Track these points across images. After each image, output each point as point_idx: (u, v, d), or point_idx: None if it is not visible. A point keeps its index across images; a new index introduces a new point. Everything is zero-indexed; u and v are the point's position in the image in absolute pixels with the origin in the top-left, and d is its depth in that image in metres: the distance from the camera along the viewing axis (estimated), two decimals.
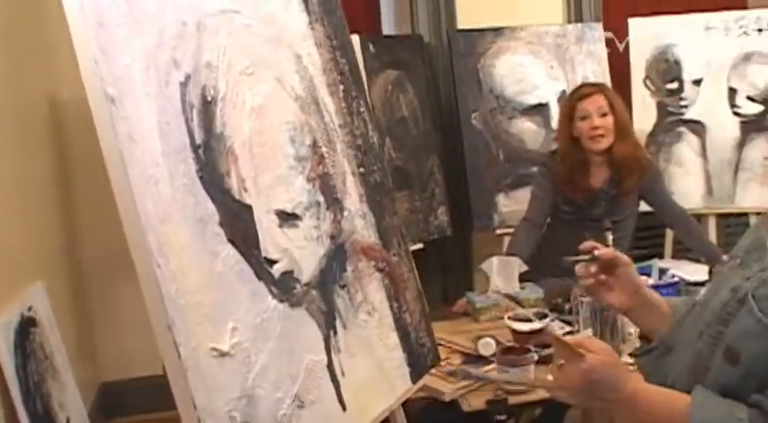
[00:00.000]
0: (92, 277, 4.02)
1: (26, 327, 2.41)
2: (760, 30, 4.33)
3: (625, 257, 1.66)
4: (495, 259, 3.24)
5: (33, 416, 2.25)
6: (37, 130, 3.44)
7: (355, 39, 3.80)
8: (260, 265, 1.67)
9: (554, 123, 4.30)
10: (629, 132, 3.45)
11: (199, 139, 1.57)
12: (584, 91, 3.46)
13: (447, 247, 4.45)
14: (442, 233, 4.29)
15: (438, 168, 4.31)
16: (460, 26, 4.49)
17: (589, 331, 2.50)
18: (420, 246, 4.08)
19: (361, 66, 3.80)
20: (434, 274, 4.39)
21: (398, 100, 4.15)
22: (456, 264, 4.55)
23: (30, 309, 2.49)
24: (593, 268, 1.63)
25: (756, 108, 4.33)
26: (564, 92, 4.33)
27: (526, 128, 4.34)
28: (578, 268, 1.64)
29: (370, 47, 4.00)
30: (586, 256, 1.64)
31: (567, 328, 2.73)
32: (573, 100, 3.46)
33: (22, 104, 3.11)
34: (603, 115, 3.34)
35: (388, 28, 4.69)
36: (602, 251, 1.64)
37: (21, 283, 2.58)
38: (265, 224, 1.71)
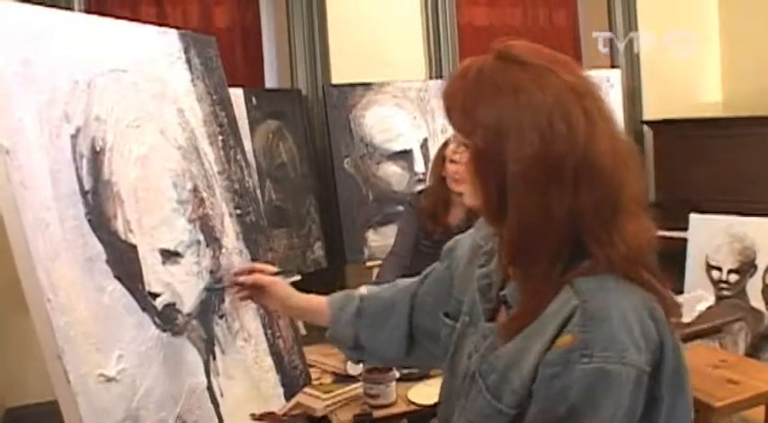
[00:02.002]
0: None
1: None
2: None
3: (267, 279, 1.78)
4: (363, 288, 3.28)
5: None
6: None
7: (239, 92, 3.86)
8: (144, 298, 1.68)
9: (417, 167, 4.42)
10: None
11: (87, 186, 1.58)
12: None
13: (323, 279, 4.48)
14: (318, 266, 4.33)
15: (314, 208, 4.35)
16: (335, 81, 4.57)
17: None
18: (298, 277, 4.11)
19: (244, 116, 3.87)
20: None
21: (278, 147, 4.19)
22: (331, 293, 4.58)
23: None
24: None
25: None
26: (426, 140, 4.46)
27: (392, 172, 4.43)
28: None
29: (253, 99, 4.04)
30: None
31: None
32: (447, 145, 3.54)
33: None
34: None
35: (270, 82, 4.74)
36: (243, 280, 1.80)
37: None
38: (149, 261, 1.72)
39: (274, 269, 1.83)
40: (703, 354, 3.33)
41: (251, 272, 1.80)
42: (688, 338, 3.08)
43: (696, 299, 3.20)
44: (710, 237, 3.92)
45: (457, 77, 1.26)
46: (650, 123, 5.24)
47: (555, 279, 1.18)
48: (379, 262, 4.14)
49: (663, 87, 5.35)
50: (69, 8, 3.87)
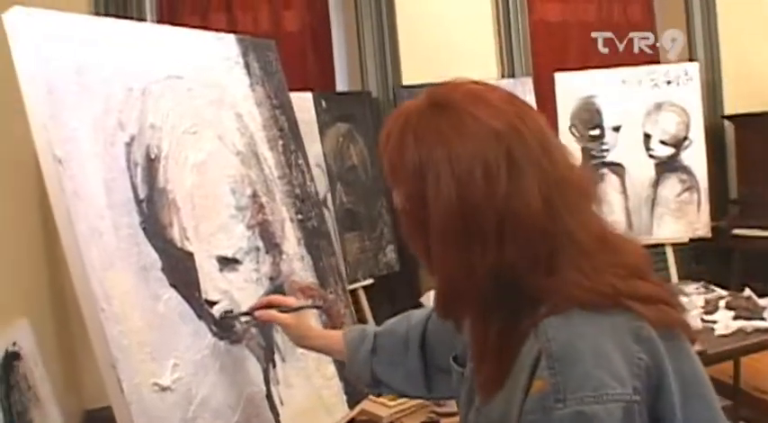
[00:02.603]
0: (75, 314, 3.95)
1: (10, 360, 2.37)
2: (669, 82, 4.43)
3: (283, 320, 1.71)
4: (432, 293, 3.24)
5: None
6: (26, 183, 3.41)
7: (308, 96, 3.84)
8: (200, 306, 1.66)
9: None
10: None
11: (142, 194, 1.58)
12: None
13: (396, 282, 4.44)
14: (391, 269, 4.28)
15: (386, 210, 4.30)
16: (405, 82, 4.52)
17: None
18: (371, 281, 4.07)
19: (314, 120, 3.85)
20: (385, 307, 4.37)
21: (349, 150, 4.16)
22: (404, 296, 4.54)
23: (14, 344, 2.45)
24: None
25: (668, 150, 4.41)
26: None
27: None
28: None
29: (323, 103, 4.01)
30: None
31: None
32: None
33: (15, 161, 3.09)
34: None
35: (341, 85, 4.73)
36: (258, 314, 1.74)
37: (8, 320, 2.54)
38: (206, 269, 1.71)
39: (295, 303, 1.77)
40: None
41: (269, 305, 1.75)
42: None
43: None
44: None
45: (387, 127, 1.22)
46: (731, 118, 5.05)
47: (495, 330, 1.14)
48: None
49: (744, 81, 5.15)
50: (142, 18, 3.90)
